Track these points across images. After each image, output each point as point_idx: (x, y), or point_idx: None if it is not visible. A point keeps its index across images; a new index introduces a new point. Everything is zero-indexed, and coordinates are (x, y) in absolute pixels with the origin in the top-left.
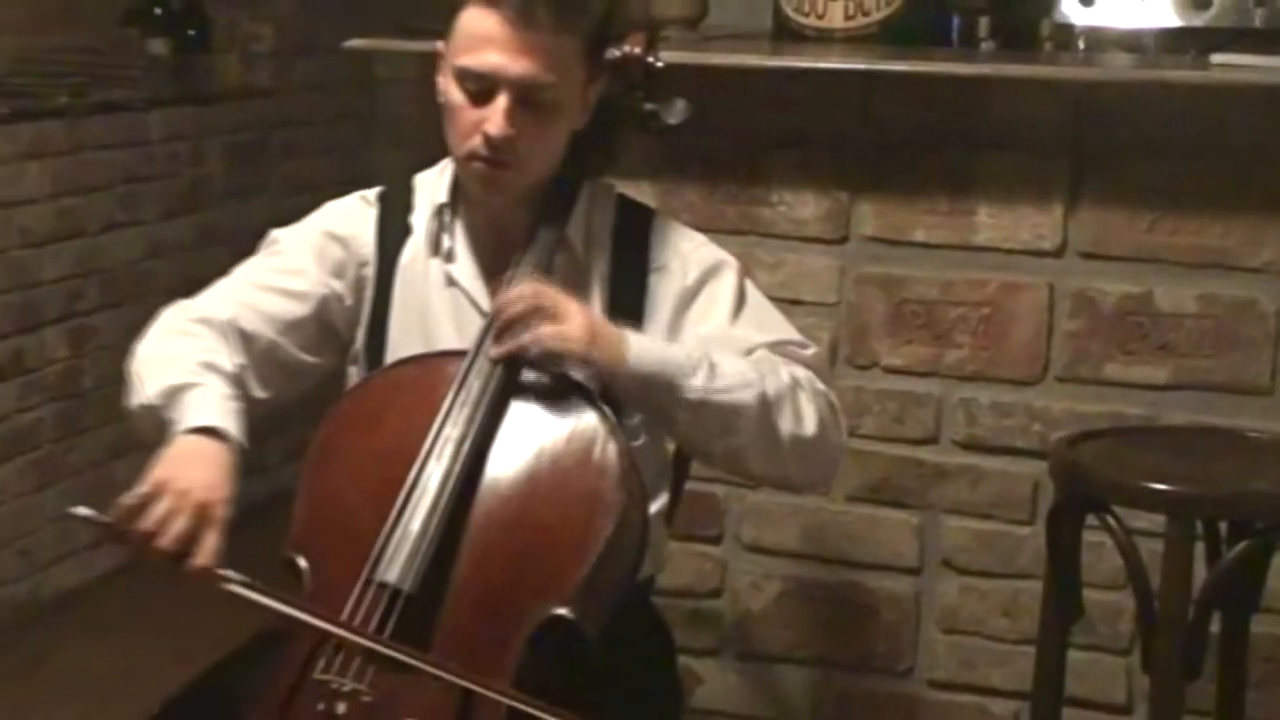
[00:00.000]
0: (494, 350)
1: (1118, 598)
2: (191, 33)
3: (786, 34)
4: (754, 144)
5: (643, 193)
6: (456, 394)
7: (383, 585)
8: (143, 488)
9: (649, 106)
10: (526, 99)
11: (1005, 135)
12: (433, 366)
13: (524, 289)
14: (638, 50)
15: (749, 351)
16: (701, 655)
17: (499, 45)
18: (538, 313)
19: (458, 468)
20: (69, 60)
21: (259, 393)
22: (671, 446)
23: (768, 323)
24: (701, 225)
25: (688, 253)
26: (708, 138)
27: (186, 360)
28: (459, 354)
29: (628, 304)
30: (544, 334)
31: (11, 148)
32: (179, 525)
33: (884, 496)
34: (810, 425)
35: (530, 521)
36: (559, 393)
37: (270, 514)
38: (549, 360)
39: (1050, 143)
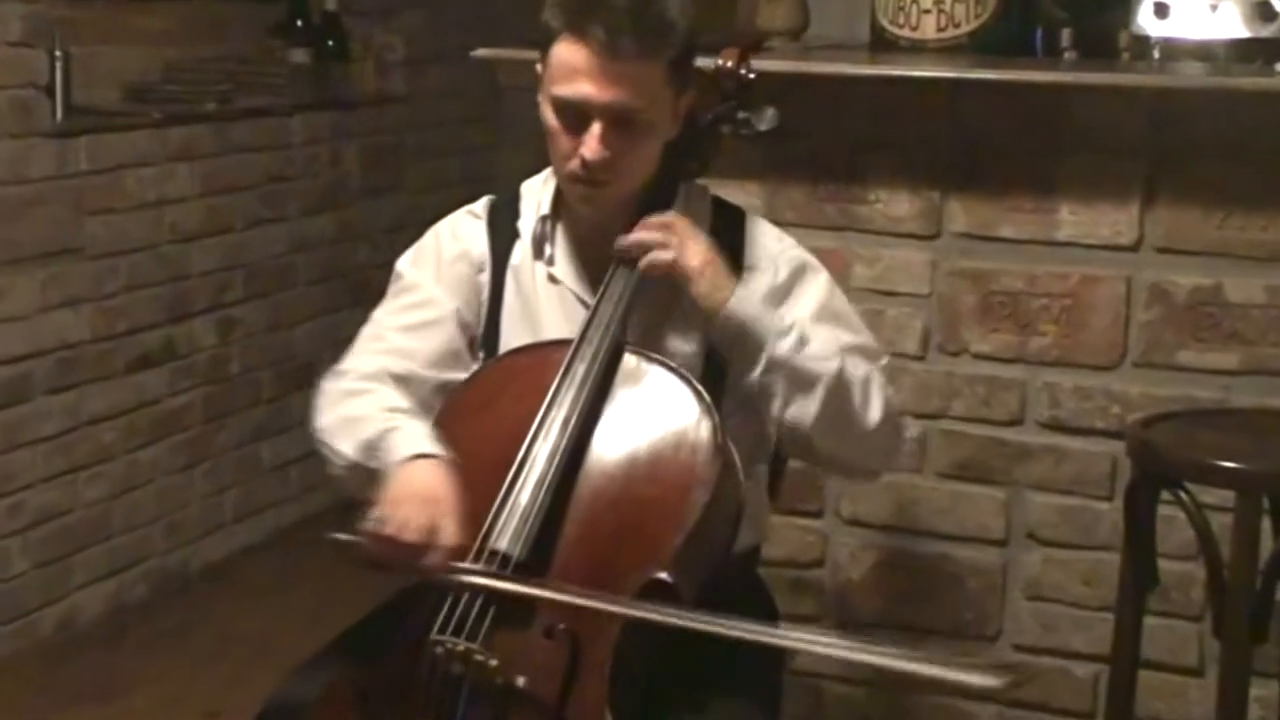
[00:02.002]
0: (623, 240)
1: (1190, 568)
2: (330, 43)
3: (882, 44)
4: (852, 147)
5: (749, 193)
6: (563, 378)
7: (494, 553)
8: (375, 513)
9: (741, 115)
10: (618, 122)
11: (1085, 139)
12: (541, 354)
13: (659, 217)
14: (730, 64)
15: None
16: (804, 621)
17: (588, 76)
18: (667, 229)
19: (564, 445)
20: (217, 69)
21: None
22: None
23: (850, 325)
24: (804, 223)
25: (778, 253)
26: (810, 141)
27: (370, 414)
28: (565, 343)
29: None
30: (671, 242)
31: (164, 150)
32: (417, 522)
33: (972, 473)
34: (875, 416)
35: (631, 495)
36: (657, 374)
37: None
38: (661, 272)
39: (1127, 146)
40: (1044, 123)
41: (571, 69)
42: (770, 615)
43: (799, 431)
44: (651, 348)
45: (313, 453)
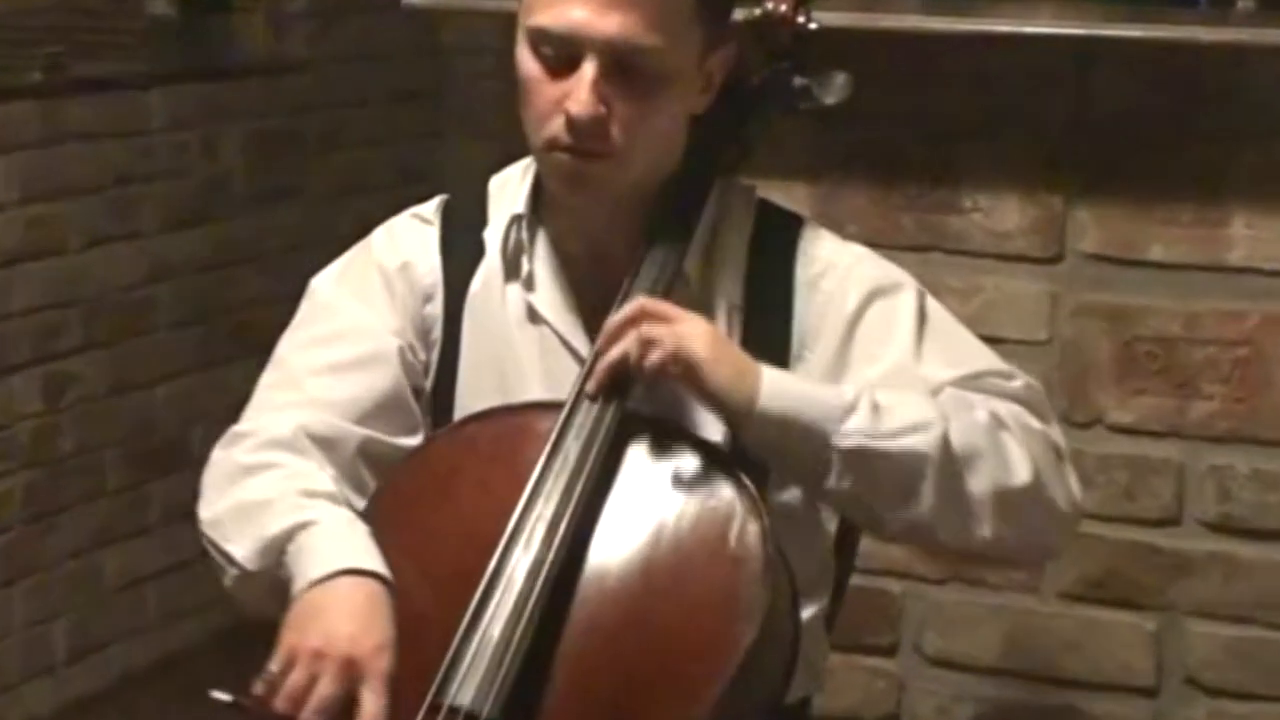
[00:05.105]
0: (590, 383)
1: None
2: None
3: None
4: (940, 134)
5: (795, 197)
6: (549, 460)
7: (454, 710)
8: (273, 664)
9: (799, 82)
10: (620, 68)
11: (1268, 122)
12: (516, 424)
13: (628, 306)
14: (783, 8)
15: (935, 393)
16: None
17: None
18: (647, 317)
19: (551, 556)
20: (44, 24)
21: (358, 504)
22: (833, 525)
23: (959, 351)
24: (871, 239)
25: (847, 270)
26: (880, 125)
27: (277, 500)
28: (552, 406)
29: (767, 341)
30: (655, 335)
31: None
32: (321, 692)
33: (1110, 594)
34: (1021, 473)
35: (646, 628)
36: (684, 458)
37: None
38: (662, 374)
39: None
40: (1209, 100)
41: None
42: None
43: (920, 533)
44: None
45: (177, 566)
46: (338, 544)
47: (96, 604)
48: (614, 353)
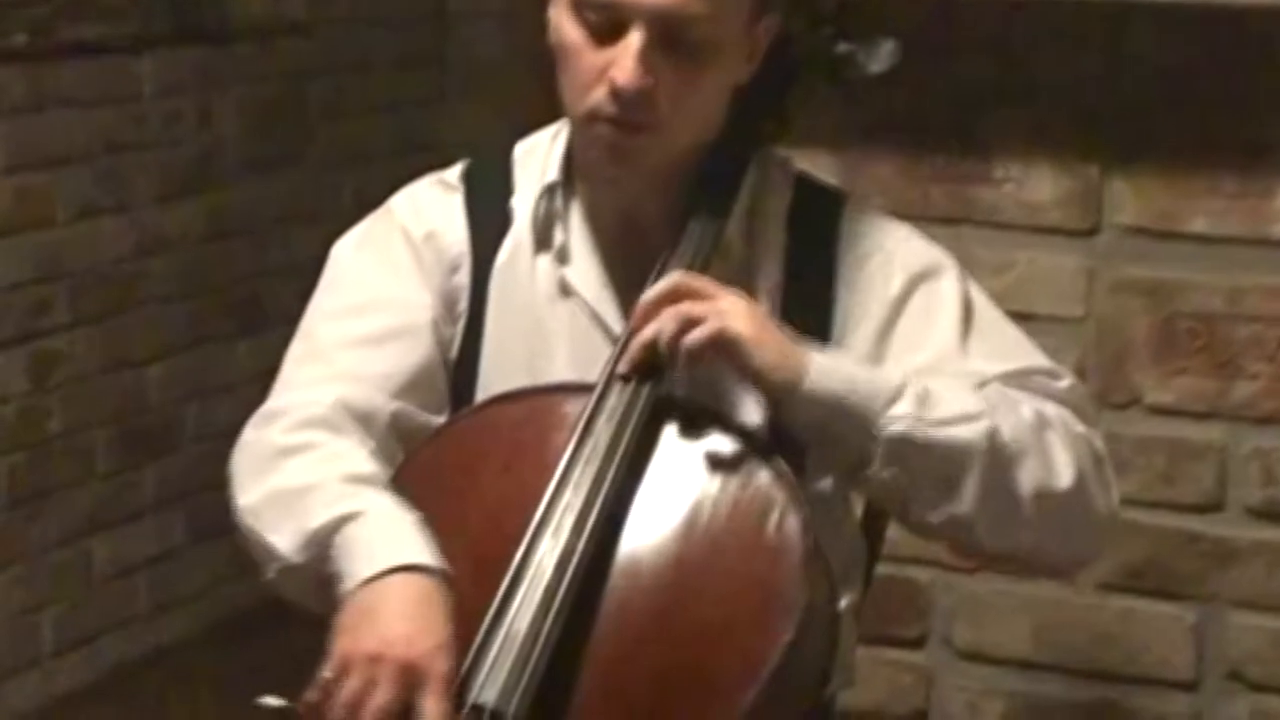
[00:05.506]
0: (624, 362)
1: None
2: None
3: None
4: (969, 100)
5: (819, 168)
6: (579, 445)
7: (478, 709)
8: (325, 671)
9: (843, 48)
10: (668, 37)
11: None
12: (543, 407)
13: (664, 281)
14: None
15: (979, 386)
16: None
17: None
18: (685, 293)
19: (581, 547)
20: None
21: None
22: (859, 508)
23: (1005, 345)
24: (898, 212)
25: (890, 251)
26: (906, 92)
27: (319, 487)
28: (580, 389)
29: (808, 321)
30: (694, 313)
31: None
32: (378, 700)
33: (1148, 584)
34: (1065, 476)
35: (679, 623)
36: (720, 444)
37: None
38: (701, 356)
39: None
40: (1255, 64)
41: None
42: None
43: (959, 530)
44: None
45: (170, 554)
46: (387, 538)
47: (85, 593)
48: (649, 331)
